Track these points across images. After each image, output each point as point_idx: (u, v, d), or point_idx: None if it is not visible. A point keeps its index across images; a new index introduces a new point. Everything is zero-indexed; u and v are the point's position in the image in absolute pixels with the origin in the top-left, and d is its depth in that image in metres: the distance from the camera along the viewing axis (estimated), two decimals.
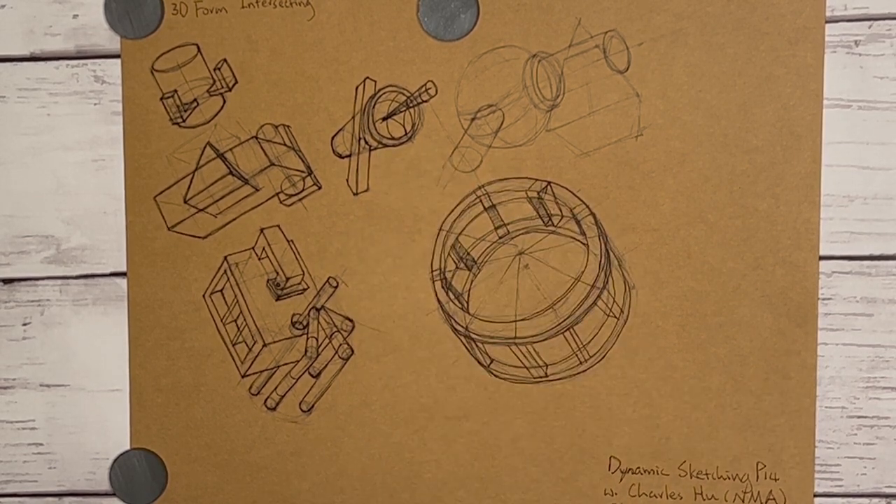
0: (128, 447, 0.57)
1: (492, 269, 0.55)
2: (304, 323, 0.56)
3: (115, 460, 0.57)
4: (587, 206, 0.54)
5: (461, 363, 0.55)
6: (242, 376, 0.56)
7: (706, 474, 0.55)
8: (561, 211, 0.55)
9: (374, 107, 0.55)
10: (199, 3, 0.55)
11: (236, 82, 0.55)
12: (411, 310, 0.55)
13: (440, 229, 0.55)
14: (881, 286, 0.54)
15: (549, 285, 0.55)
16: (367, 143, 0.55)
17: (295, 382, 0.56)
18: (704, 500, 0.55)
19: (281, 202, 0.56)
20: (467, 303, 0.55)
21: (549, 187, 0.55)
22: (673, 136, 0.54)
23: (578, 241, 0.55)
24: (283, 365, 0.56)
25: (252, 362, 0.56)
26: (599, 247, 0.54)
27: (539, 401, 0.55)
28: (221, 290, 0.56)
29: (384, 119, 0.55)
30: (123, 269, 0.56)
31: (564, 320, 0.55)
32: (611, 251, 0.54)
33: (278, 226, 0.56)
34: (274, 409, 0.56)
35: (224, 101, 0.55)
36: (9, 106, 0.56)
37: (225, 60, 0.55)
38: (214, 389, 0.56)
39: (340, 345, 0.56)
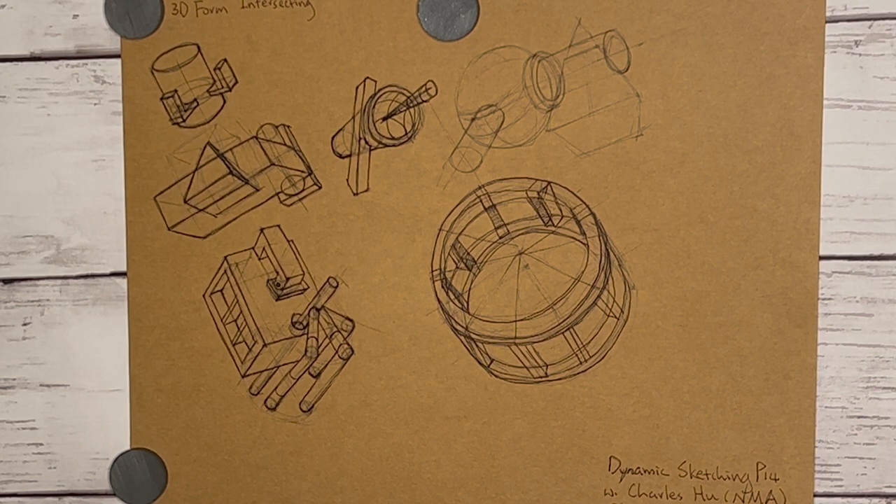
0: (128, 447, 0.57)
1: (492, 269, 0.55)
2: (304, 323, 0.56)
3: (115, 460, 0.57)
4: (587, 206, 0.54)
5: (461, 363, 0.55)
6: (242, 376, 0.56)
7: (706, 474, 0.55)
8: (561, 211, 0.55)
9: (374, 107, 0.55)
10: (200, 3, 0.55)
11: (236, 82, 0.55)
12: (411, 310, 0.55)
13: (440, 229, 0.55)
14: (881, 286, 0.54)
15: (549, 285, 0.55)
16: (367, 143, 0.55)
17: (295, 382, 0.56)
18: (704, 500, 0.55)
19: (281, 202, 0.56)
20: (467, 303, 0.55)
21: (549, 187, 0.54)
22: (673, 136, 0.54)
23: (578, 241, 0.55)
24: (283, 365, 0.56)
25: (252, 362, 0.56)
26: (599, 247, 0.54)
27: (539, 401, 0.55)
28: (221, 290, 0.56)
29: (384, 119, 0.55)
30: (123, 269, 0.56)
31: (564, 320, 0.55)
32: (611, 251, 0.54)
33: (278, 226, 0.56)
34: (274, 409, 0.56)
35: (224, 101, 0.55)
36: (9, 106, 0.56)
37: (225, 60, 0.55)
38: (214, 389, 0.56)
39: (340, 345, 0.56)
